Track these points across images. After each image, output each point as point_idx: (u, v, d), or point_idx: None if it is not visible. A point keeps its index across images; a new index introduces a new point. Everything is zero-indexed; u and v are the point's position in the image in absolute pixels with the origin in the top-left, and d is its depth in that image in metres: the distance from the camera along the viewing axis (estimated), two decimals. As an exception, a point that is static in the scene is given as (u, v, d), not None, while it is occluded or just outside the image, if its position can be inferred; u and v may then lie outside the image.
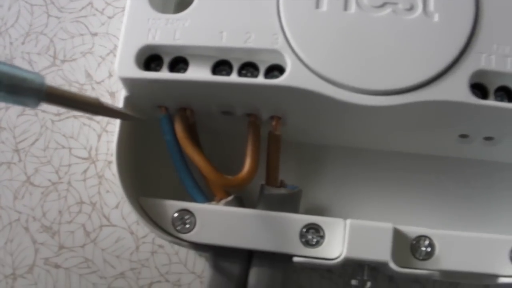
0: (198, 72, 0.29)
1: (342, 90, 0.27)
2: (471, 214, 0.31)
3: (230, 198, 0.30)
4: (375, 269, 0.31)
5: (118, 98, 0.31)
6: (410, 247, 0.28)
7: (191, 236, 0.29)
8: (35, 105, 0.24)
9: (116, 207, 0.33)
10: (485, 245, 0.28)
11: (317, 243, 0.29)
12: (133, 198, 0.29)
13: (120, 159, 0.29)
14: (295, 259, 0.28)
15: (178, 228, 0.29)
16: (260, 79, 0.28)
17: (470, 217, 0.31)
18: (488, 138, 0.30)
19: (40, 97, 0.24)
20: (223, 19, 0.29)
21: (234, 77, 0.28)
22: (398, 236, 0.28)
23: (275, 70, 0.28)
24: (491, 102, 0.27)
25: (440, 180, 0.32)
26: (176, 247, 0.33)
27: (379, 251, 0.28)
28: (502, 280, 0.28)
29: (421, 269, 0.28)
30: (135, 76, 0.28)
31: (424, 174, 0.32)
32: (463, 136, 0.30)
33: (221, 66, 0.29)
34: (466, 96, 0.27)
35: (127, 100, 0.30)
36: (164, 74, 0.29)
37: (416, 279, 0.32)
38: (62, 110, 0.34)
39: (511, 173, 0.31)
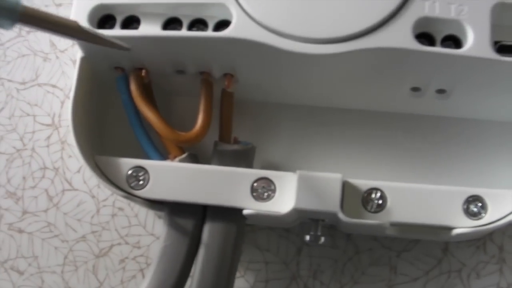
0: (150, 29, 0.29)
1: (287, 40, 0.28)
2: (427, 168, 0.31)
3: (184, 155, 0.30)
4: (332, 227, 0.31)
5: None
6: (362, 200, 0.28)
7: (144, 193, 0.29)
8: (9, 26, 0.23)
9: (78, 171, 0.34)
10: (438, 197, 0.28)
11: (269, 197, 0.29)
12: (89, 156, 0.30)
13: (76, 119, 0.30)
14: (245, 211, 0.28)
15: (132, 184, 0.29)
16: (207, 32, 0.29)
17: (426, 171, 0.31)
18: (440, 91, 0.30)
19: (15, 17, 0.23)
20: (172, -24, 0.29)
21: (183, 32, 0.29)
22: (349, 188, 0.28)
23: (225, 26, 0.29)
24: (434, 49, 0.27)
25: (397, 136, 0.32)
26: (136, 209, 0.33)
27: (328, 202, 0.28)
28: (456, 232, 0.28)
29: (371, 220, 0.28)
30: (88, 34, 0.29)
31: (381, 130, 0.32)
32: (415, 89, 0.30)
33: (172, 24, 0.29)
34: (410, 43, 0.27)
35: (83, 61, 0.30)
36: (116, 31, 0.29)
37: (374, 237, 0.32)
38: (27, 79, 0.35)
39: (465, 128, 0.31)
